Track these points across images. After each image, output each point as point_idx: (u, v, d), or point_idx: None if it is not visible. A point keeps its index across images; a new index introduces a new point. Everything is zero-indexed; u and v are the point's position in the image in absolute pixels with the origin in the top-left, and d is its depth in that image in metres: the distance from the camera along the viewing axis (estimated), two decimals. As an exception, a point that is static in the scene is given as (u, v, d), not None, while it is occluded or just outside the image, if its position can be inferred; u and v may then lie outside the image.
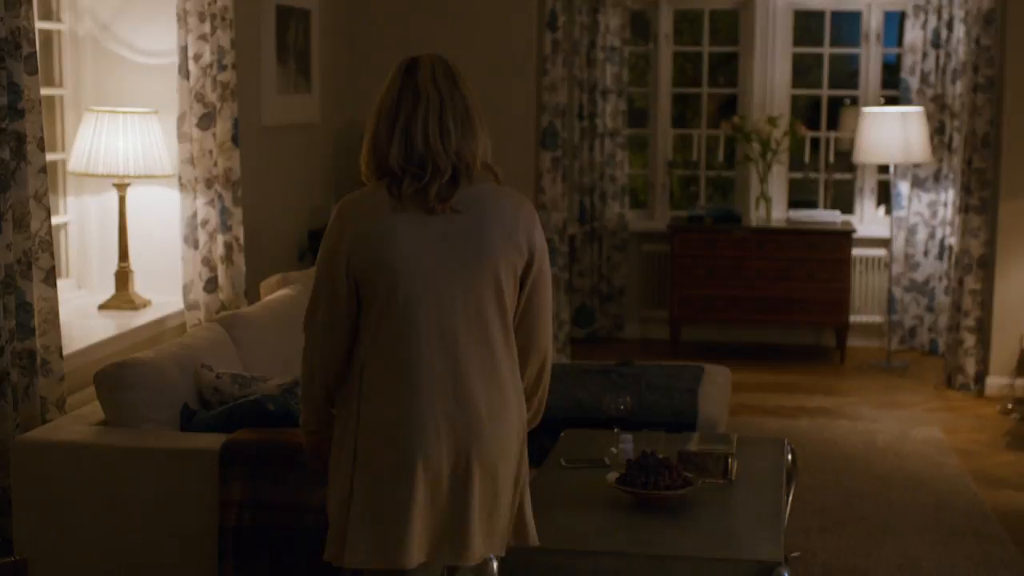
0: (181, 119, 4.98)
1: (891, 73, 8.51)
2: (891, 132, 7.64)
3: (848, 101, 8.68)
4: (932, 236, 8.20)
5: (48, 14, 4.97)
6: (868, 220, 8.54)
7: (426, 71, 2.89)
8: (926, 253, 8.21)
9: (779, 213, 8.49)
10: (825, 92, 8.61)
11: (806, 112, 8.69)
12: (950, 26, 8.00)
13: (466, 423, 2.85)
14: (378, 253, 2.84)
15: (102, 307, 4.99)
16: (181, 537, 3.67)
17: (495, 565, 3.31)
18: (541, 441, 4.14)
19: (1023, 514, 5.31)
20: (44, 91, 4.43)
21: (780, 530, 3.64)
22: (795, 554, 4.60)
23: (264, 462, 3.58)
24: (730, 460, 4.00)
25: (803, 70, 8.69)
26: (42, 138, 3.98)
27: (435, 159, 2.84)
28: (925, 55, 8.07)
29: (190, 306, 5.08)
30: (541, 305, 2.97)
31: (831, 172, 8.61)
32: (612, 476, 3.82)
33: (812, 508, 5.28)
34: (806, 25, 8.67)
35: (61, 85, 5.05)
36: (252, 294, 5.43)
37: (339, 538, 2.89)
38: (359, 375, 2.89)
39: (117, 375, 3.84)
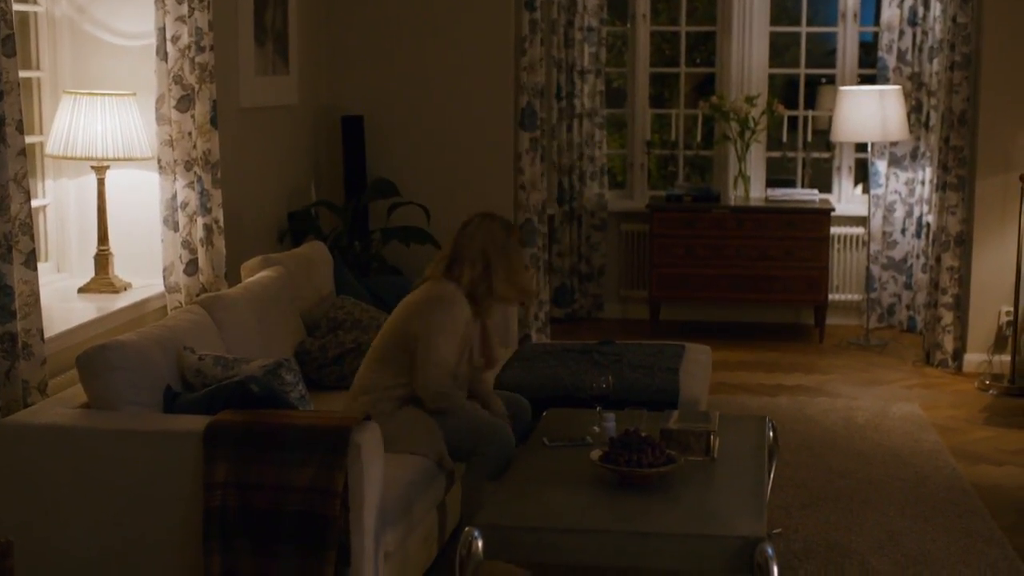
0: (159, 101, 4.96)
1: (868, 52, 8.53)
2: (868, 111, 7.66)
3: (825, 80, 8.71)
4: (910, 214, 8.24)
5: (24, -4, 4.94)
6: (846, 199, 8.57)
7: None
8: (904, 231, 8.25)
9: (757, 192, 8.50)
10: (802, 71, 8.62)
11: (784, 91, 8.72)
12: (926, 4, 8.02)
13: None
14: None
15: (81, 290, 4.97)
16: (165, 519, 3.67)
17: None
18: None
19: (1001, 489, 5.36)
20: (21, 73, 4.39)
21: (762, 506, 3.67)
22: (777, 530, 4.65)
23: (248, 443, 3.58)
24: (712, 437, 4.02)
25: (780, 49, 8.71)
26: (21, 120, 3.96)
27: None
28: (902, 33, 8.10)
29: (170, 289, 5.07)
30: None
31: (809, 151, 8.64)
32: (595, 454, 3.83)
33: (793, 485, 5.31)
34: (783, 4, 8.68)
35: (38, 67, 5.03)
36: (232, 276, 5.42)
37: None
38: None
39: (99, 358, 3.83)
